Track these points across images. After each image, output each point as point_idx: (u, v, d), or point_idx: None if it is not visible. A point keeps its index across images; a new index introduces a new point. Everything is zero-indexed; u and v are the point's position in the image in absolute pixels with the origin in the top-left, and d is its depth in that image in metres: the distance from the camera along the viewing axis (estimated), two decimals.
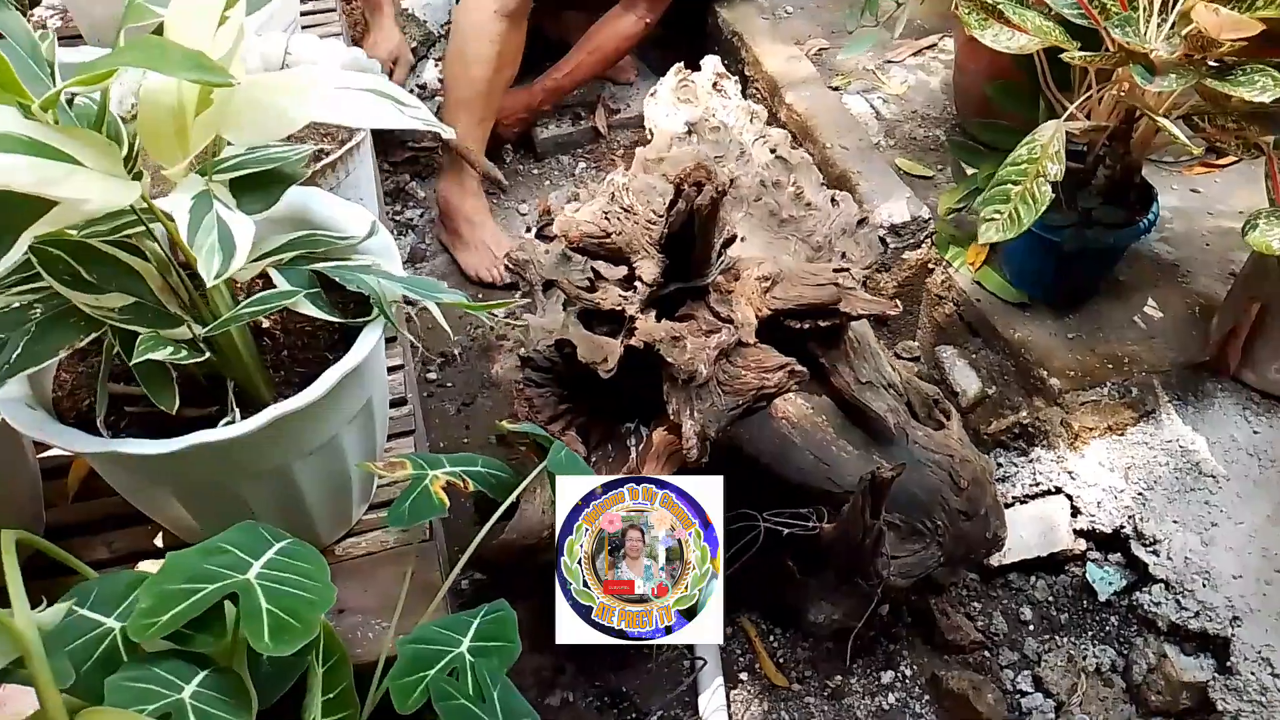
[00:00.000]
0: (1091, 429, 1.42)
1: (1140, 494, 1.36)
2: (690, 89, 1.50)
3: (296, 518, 0.90)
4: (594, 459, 1.14)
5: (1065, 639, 1.37)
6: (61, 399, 0.85)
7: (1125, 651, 1.33)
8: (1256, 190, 1.78)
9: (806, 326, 1.09)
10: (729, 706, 1.31)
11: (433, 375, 1.73)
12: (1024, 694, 1.32)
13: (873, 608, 1.16)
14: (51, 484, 1.02)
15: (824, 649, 1.38)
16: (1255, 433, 1.39)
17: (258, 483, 0.84)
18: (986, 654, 1.37)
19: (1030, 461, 1.46)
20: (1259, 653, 1.20)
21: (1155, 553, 1.32)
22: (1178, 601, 1.28)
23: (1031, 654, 1.36)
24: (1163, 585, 1.31)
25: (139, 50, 0.63)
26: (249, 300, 0.75)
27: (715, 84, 1.52)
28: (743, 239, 1.26)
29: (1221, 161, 1.83)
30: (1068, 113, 1.33)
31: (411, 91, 2.17)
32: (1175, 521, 1.33)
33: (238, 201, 0.77)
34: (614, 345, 1.03)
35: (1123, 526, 1.36)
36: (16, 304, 0.72)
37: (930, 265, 1.67)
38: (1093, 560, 1.39)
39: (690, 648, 1.32)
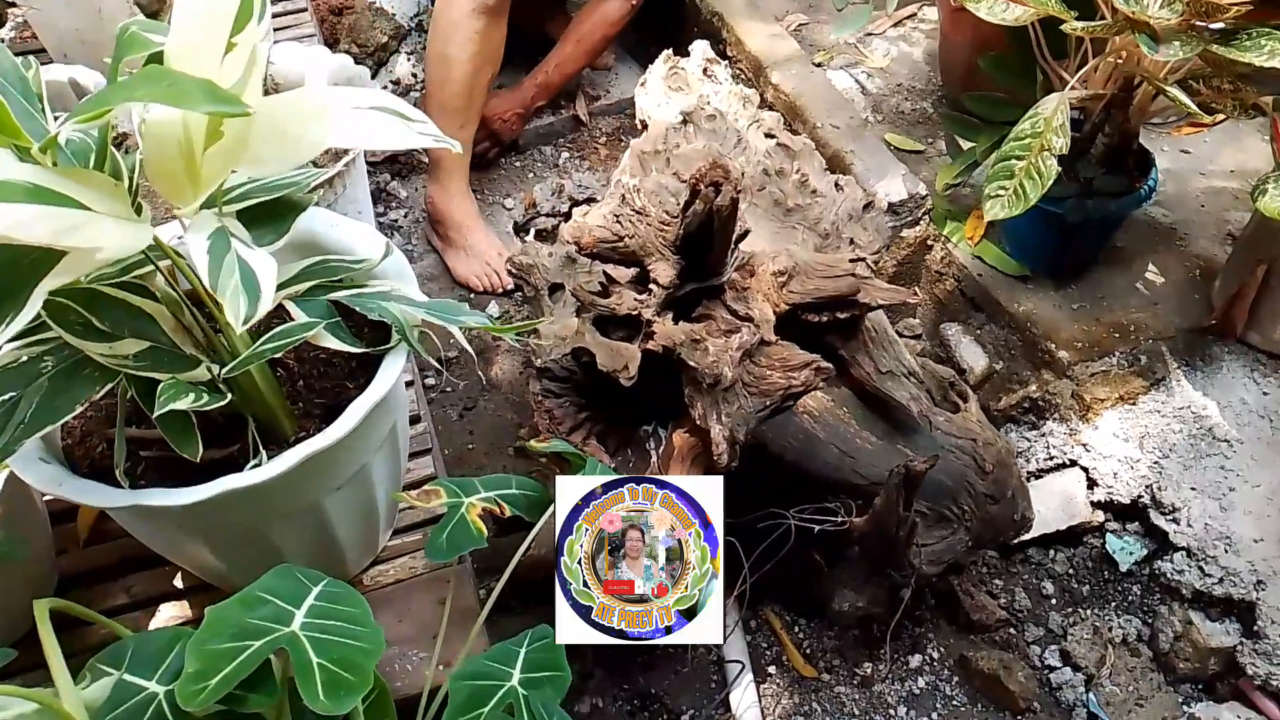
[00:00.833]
0: (1103, 400, 1.41)
1: (1156, 462, 1.36)
2: (681, 76, 1.47)
3: (325, 552, 0.88)
4: (615, 464, 1.12)
5: (1089, 611, 1.37)
6: (73, 446, 0.82)
7: (1150, 620, 1.33)
8: (1245, 149, 1.78)
9: (824, 319, 1.07)
10: (760, 701, 1.30)
11: (431, 381, 1.70)
12: (1053, 669, 1.32)
13: (905, 600, 1.15)
14: (60, 529, 0.98)
15: (850, 636, 1.37)
16: (1265, 394, 1.39)
17: (288, 521, 0.81)
18: (1012, 631, 1.36)
19: (1043, 436, 1.45)
20: None
21: (1175, 520, 1.32)
22: (1200, 568, 1.28)
23: (1057, 628, 1.36)
24: (1184, 553, 1.31)
25: (150, 83, 0.59)
26: (268, 335, 0.72)
27: (706, 69, 1.49)
28: (749, 231, 1.23)
29: (1208, 121, 1.82)
30: (1069, 84, 1.32)
31: (385, 88, 2.12)
32: (1193, 488, 1.33)
33: (250, 234, 0.73)
34: (633, 351, 1.01)
35: (1140, 496, 1.36)
36: (25, 357, 0.68)
37: (929, 242, 1.65)
38: (1112, 531, 1.39)
39: (721, 655, 1.31)
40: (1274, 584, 1.24)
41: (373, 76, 2.05)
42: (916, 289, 1.06)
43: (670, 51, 1.48)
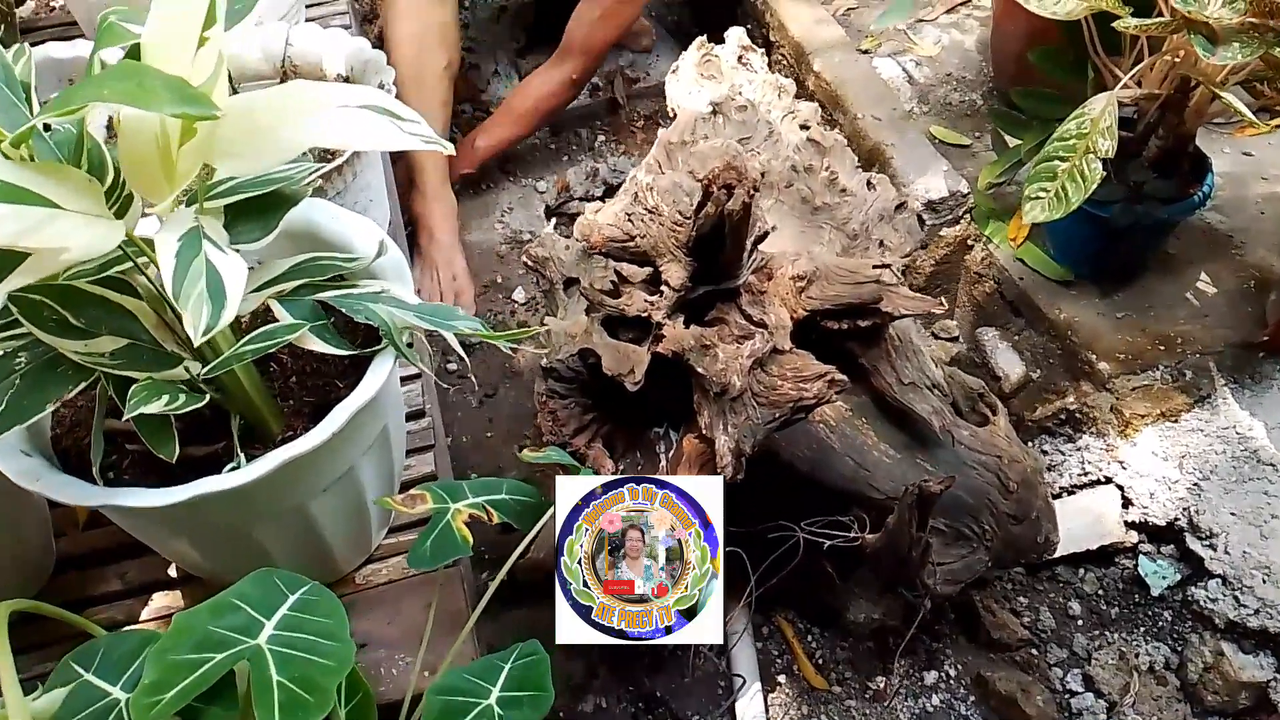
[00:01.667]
0: (1143, 416, 1.35)
1: (1195, 484, 1.30)
2: (714, 64, 1.42)
3: (314, 552, 0.86)
4: (622, 468, 1.09)
5: (1116, 635, 1.31)
6: (61, 436, 0.81)
7: (1180, 649, 1.27)
8: None
9: (845, 326, 1.03)
10: (767, 712, 1.27)
11: (453, 366, 1.68)
12: (1074, 694, 1.27)
13: (920, 617, 1.11)
14: (59, 511, 0.98)
15: (864, 649, 1.33)
16: None
17: (271, 523, 0.79)
18: (1034, 651, 1.32)
19: (1078, 450, 1.39)
20: None
21: (1212, 546, 1.26)
22: (1236, 598, 1.22)
23: (1081, 651, 1.31)
24: (1219, 580, 1.25)
25: (115, 80, 0.57)
26: (250, 336, 0.70)
27: (740, 57, 1.44)
28: (773, 229, 1.19)
29: (1275, 122, 1.73)
30: (1120, 83, 1.25)
31: None
32: (1233, 513, 1.26)
33: (234, 229, 0.71)
34: (641, 354, 0.98)
35: (1177, 518, 1.30)
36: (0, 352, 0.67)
37: (969, 242, 1.59)
38: (1145, 553, 1.33)
39: (729, 662, 1.28)
40: None
41: None
42: (943, 299, 1.01)
43: (704, 38, 1.44)
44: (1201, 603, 1.25)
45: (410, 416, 1.05)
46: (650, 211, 0.96)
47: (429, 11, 1.71)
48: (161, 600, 0.94)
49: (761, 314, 0.99)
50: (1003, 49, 1.76)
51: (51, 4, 1.70)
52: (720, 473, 0.92)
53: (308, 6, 1.59)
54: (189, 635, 0.63)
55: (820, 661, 1.33)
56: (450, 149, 0.71)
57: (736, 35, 1.43)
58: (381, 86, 1.07)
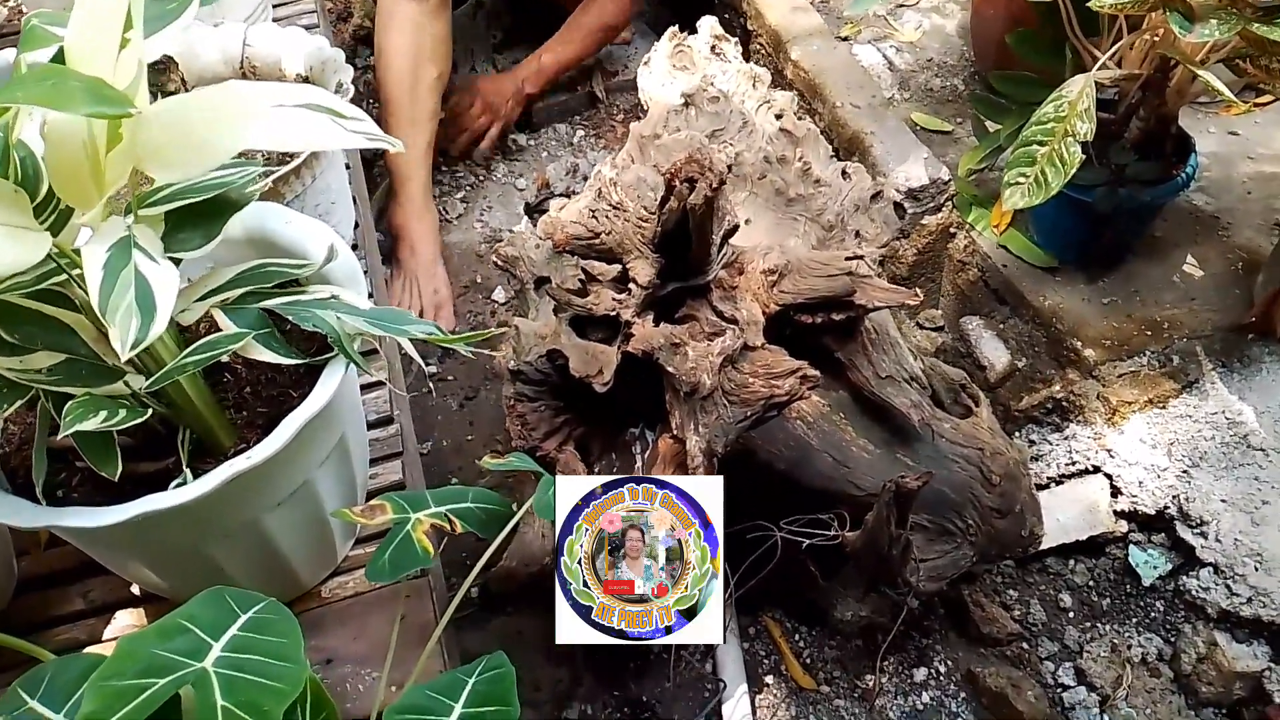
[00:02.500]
0: (1130, 403, 1.33)
1: (1185, 471, 1.28)
2: (686, 55, 1.40)
3: (273, 567, 0.84)
4: (597, 470, 1.07)
5: (1108, 626, 1.29)
6: (10, 455, 0.78)
7: (1173, 639, 1.25)
8: None
9: (819, 320, 1.00)
10: (754, 713, 1.25)
11: (433, 369, 1.66)
12: (1066, 688, 1.25)
13: (904, 614, 1.09)
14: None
15: (853, 647, 1.31)
16: None
17: (225, 539, 0.77)
18: (1025, 645, 1.30)
19: (1065, 439, 1.37)
20: None
21: (1203, 534, 1.24)
22: (1228, 586, 1.20)
23: (1073, 644, 1.29)
24: (1211, 569, 1.22)
25: (32, 83, 0.54)
26: (193, 348, 0.68)
27: (714, 47, 1.42)
28: (747, 221, 1.17)
29: (1261, 100, 1.70)
30: (1098, 64, 1.22)
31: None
32: (1223, 500, 1.24)
33: (175, 238, 0.69)
34: (610, 354, 0.95)
35: (1167, 507, 1.28)
36: None
37: (951, 229, 1.57)
38: (1135, 543, 1.31)
39: (714, 665, 1.26)
40: None
41: None
42: (918, 290, 0.99)
43: (676, 28, 1.41)
44: (1194, 592, 1.23)
45: (378, 423, 1.03)
46: (615, 207, 0.93)
47: (425, 24, 1.69)
48: (125, 619, 0.92)
49: (733, 310, 0.97)
50: (983, 33, 1.73)
51: (22, 9, 1.68)
52: (692, 473, 0.90)
53: (275, 6, 1.56)
54: (132, 660, 0.61)
55: (808, 661, 1.31)
56: (399, 145, 0.69)
57: (709, 24, 1.41)
58: (340, 86, 1.04)
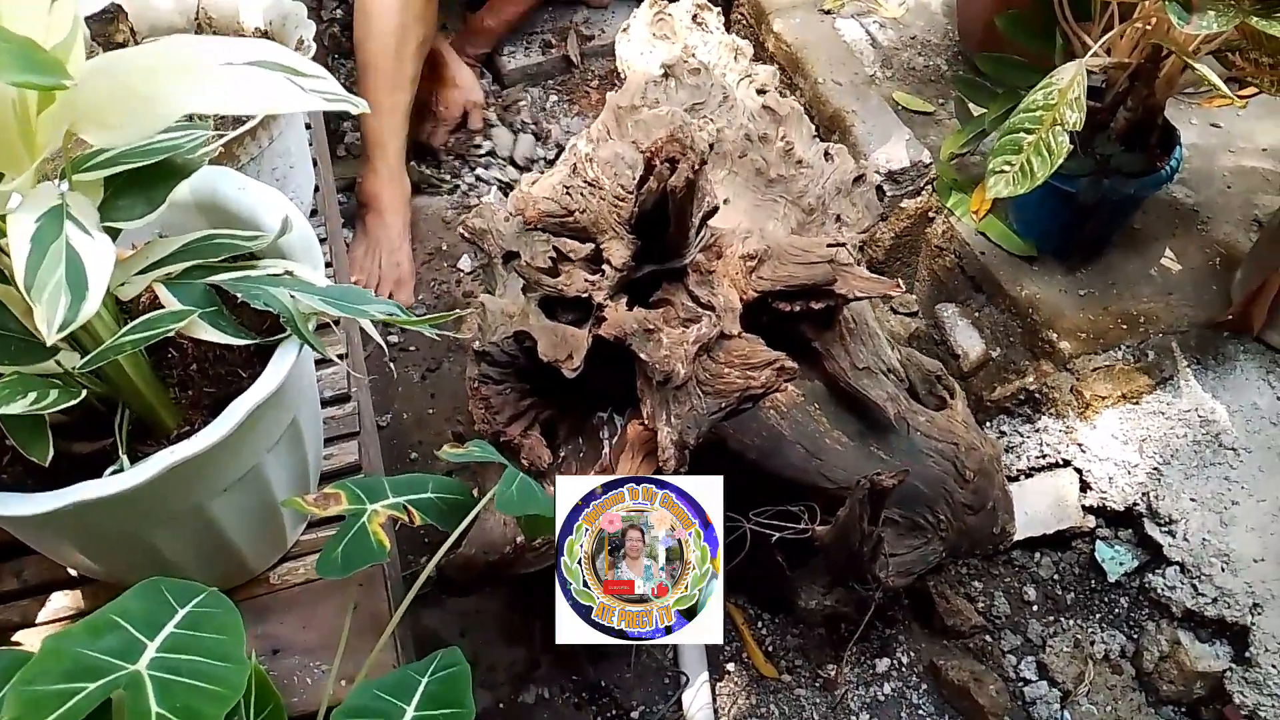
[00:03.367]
0: (1104, 397, 1.31)
1: (1155, 468, 1.27)
2: (667, 23, 1.35)
3: (218, 554, 0.79)
4: (563, 454, 1.03)
5: (1071, 621, 1.28)
6: None
7: (1135, 636, 1.25)
8: None
9: (797, 309, 0.97)
10: (714, 701, 1.23)
11: (394, 338, 1.61)
12: (1028, 682, 1.24)
13: (871, 610, 1.07)
14: None
15: (816, 636, 1.29)
16: None
17: (167, 526, 0.72)
18: (988, 639, 1.29)
19: (1037, 431, 1.36)
20: None
21: (1170, 533, 1.23)
22: (1194, 586, 1.20)
23: (1035, 638, 1.28)
24: (1178, 568, 1.22)
25: None
26: (130, 326, 0.63)
27: (695, 16, 1.37)
28: (726, 201, 1.13)
29: (1244, 92, 1.68)
30: (1090, 51, 1.19)
31: None
32: (1192, 499, 1.23)
33: (114, 205, 0.64)
34: (580, 338, 0.91)
35: (1136, 504, 1.26)
36: None
37: (930, 214, 1.54)
38: (1102, 538, 1.30)
39: (676, 652, 1.23)
40: (1271, 608, 1.15)
41: None
42: (900, 281, 0.96)
43: None
44: (1159, 590, 1.23)
45: (334, 400, 0.98)
46: (590, 184, 0.89)
47: None
48: (61, 601, 0.87)
49: (709, 295, 0.93)
50: (969, 12, 1.69)
51: None
52: (662, 466, 0.86)
53: None
54: (59, 661, 0.57)
55: (770, 649, 1.29)
56: (363, 106, 0.64)
57: None
58: (301, 43, 0.99)
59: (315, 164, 1.20)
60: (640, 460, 0.97)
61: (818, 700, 1.25)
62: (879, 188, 1.50)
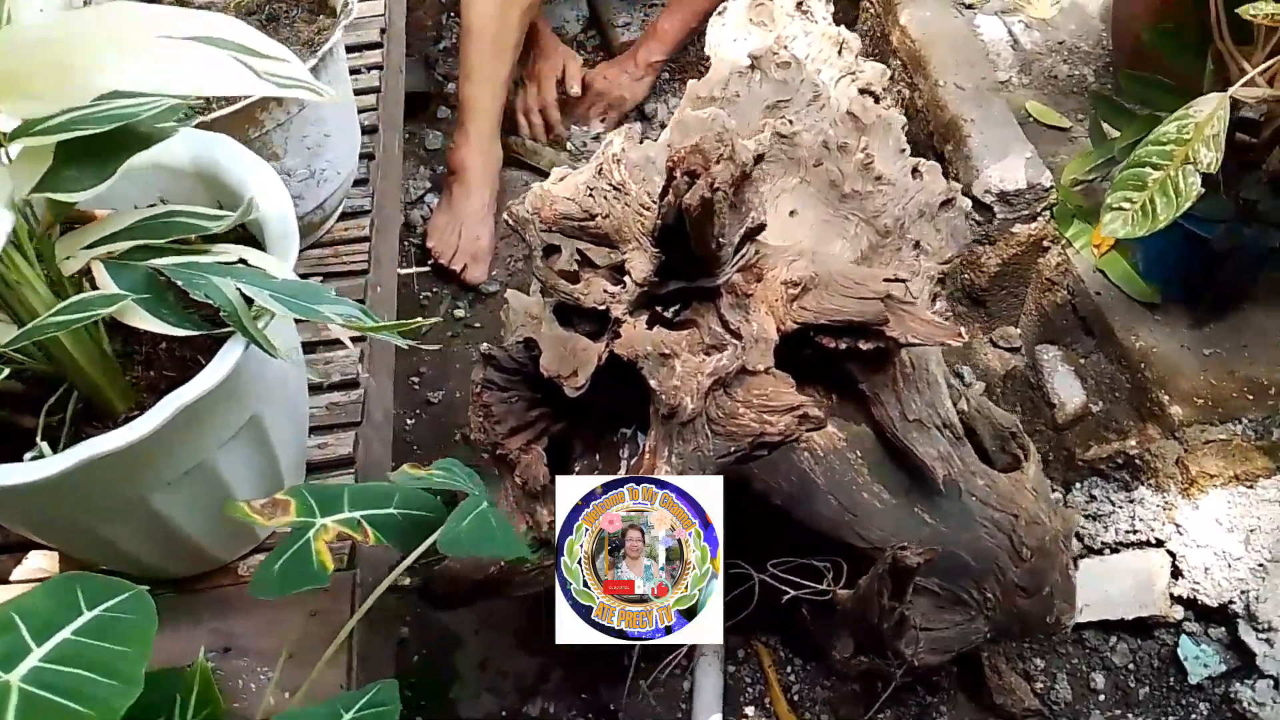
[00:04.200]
0: (1213, 475, 1.15)
1: (1261, 565, 1.11)
2: (767, 8, 1.24)
3: (173, 544, 0.76)
4: (577, 469, 0.96)
5: None
6: None
7: None
8: None
9: (843, 346, 0.87)
10: None
11: (460, 312, 1.56)
12: None
13: (906, 673, 0.96)
14: None
15: (848, 690, 1.19)
16: None
17: (108, 517, 0.69)
18: None
19: (1131, 502, 1.20)
20: None
21: (1269, 641, 1.07)
22: None
23: None
24: (1271, 682, 1.06)
25: None
26: (59, 308, 0.58)
27: (800, 3, 1.26)
28: (793, 213, 1.03)
29: None
30: (1244, 79, 1.03)
31: None
32: None
33: (59, 175, 0.59)
34: (589, 353, 0.84)
35: (1232, 602, 1.11)
36: None
37: (1045, 243, 1.38)
38: (1189, 633, 1.15)
39: (693, 684, 1.15)
40: None
41: None
42: (963, 330, 0.84)
43: None
44: (1245, 703, 1.07)
45: (341, 385, 0.94)
46: (615, 188, 0.80)
47: None
48: (37, 560, 0.85)
49: (740, 322, 0.84)
50: (1125, 20, 1.51)
51: None
52: None
53: None
54: None
55: (796, 697, 1.19)
56: (329, 94, 0.58)
57: None
58: (346, 5, 0.93)
59: (375, 129, 1.15)
60: None
61: None
62: (987, 207, 1.36)
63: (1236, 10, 0.94)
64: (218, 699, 0.67)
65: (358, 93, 1.20)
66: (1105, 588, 1.16)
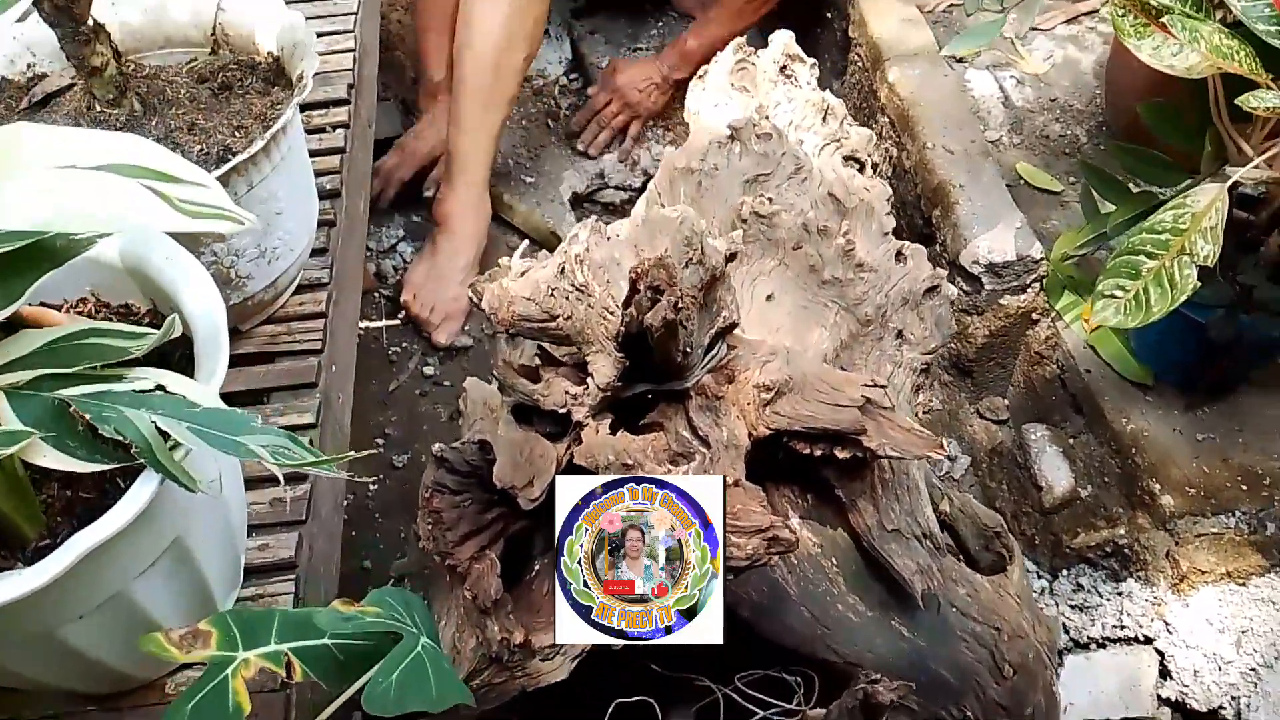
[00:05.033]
0: (1204, 571, 1.11)
1: (1253, 669, 1.06)
2: (749, 74, 1.19)
3: (92, 672, 0.71)
4: (537, 567, 0.91)
5: None
6: None
7: None
8: None
9: (818, 453, 0.82)
10: None
11: (430, 370, 1.51)
12: None
13: None
14: None
15: None
16: None
17: (8, 648, 0.63)
18: None
19: (1119, 595, 1.16)
20: None
21: None
22: None
23: None
24: None
25: None
26: None
27: (784, 68, 1.21)
28: (769, 297, 0.98)
29: None
30: (1246, 169, 0.99)
31: None
32: None
33: None
34: (549, 459, 0.79)
35: (1222, 708, 1.06)
36: None
37: (1034, 314, 1.34)
38: None
39: None
40: None
41: None
42: (943, 443, 0.79)
43: (744, 40, 1.21)
44: None
45: (289, 477, 0.88)
46: (578, 289, 0.76)
47: (524, 7, 1.50)
48: None
49: (710, 427, 0.79)
50: (1120, 82, 1.47)
51: None
52: None
53: None
54: None
55: None
56: (251, 220, 0.53)
57: (782, 40, 1.20)
58: (301, 79, 0.88)
59: (337, 193, 1.10)
60: None
61: None
62: (976, 278, 1.32)
63: (1236, 101, 0.90)
64: None
65: (322, 153, 1.15)
66: (1088, 688, 1.12)
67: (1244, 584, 1.10)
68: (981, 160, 1.41)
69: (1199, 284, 0.94)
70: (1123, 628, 1.14)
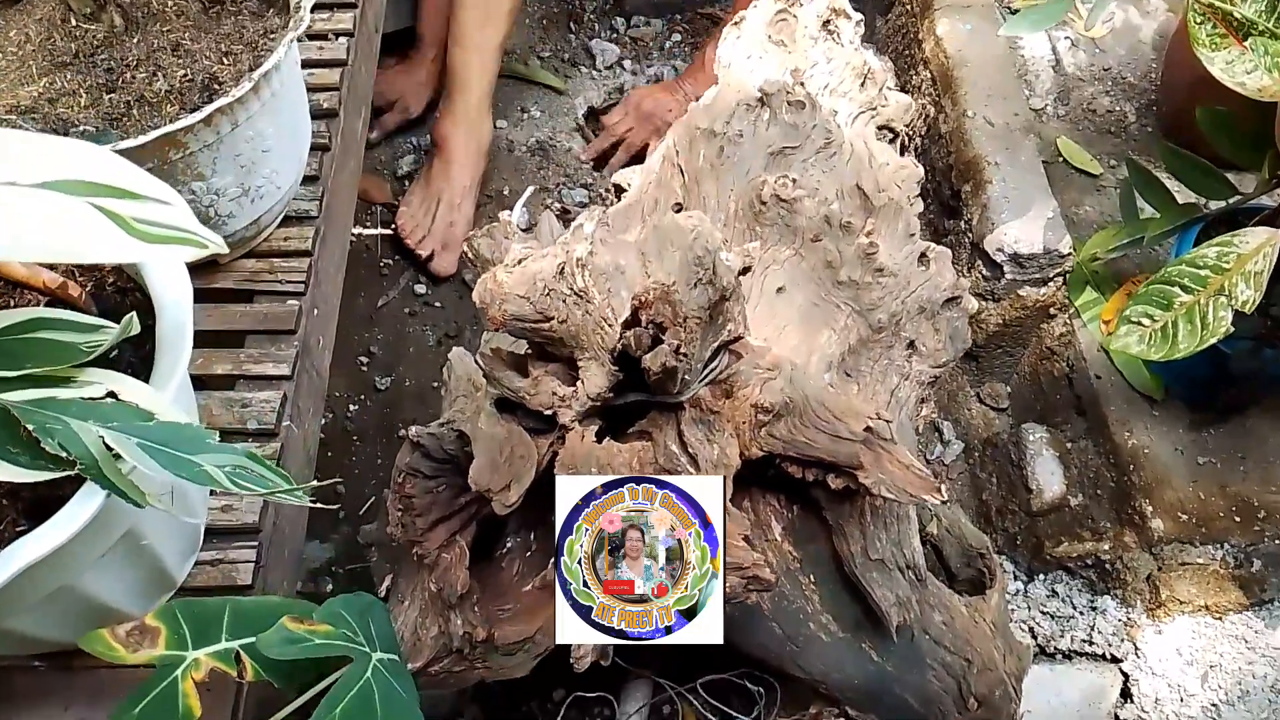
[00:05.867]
0: (1182, 601, 1.09)
1: (1215, 705, 1.06)
2: (789, 27, 1.11)
3: (41, 647, 0.68)
4: (509, 544, 0.89)
5: None
6: None
7: None
8: None
9: (811, 478, 0.79)
10: None
11: (421, 289, 1.46)
12: None
13: None
14: None
15: None
16: None
17: None
18: None
19: (1093, 609, 1.15)
20: None
21: None
22: None
23: None
24: None
25: None
26: None
27: (828, 23, 1.12)
28: (780, 290, 0.93)
29: None
30: None
31: None
32: None
33: None
34: (530, 459, 0.75)
35: None
36: None
37: (1051, 309, 1.29)
38: None
39: None
40: None
41: None
42: (942, 486, 0.76)
43: None
44: None
45: (258, 434, 0.85)
46: (577, 294, 0.70)
47: None
48: None
49: (700, 443, 0.75)
50: (1178, 63, 1.38)
51: None
52: (576, 662, 0.71)
53: None
54: None
55: None
56: (219, 244, 0.48)
57: None
58: (298, 9, 0.80)
59: (334, 113, 1.03)
60: None
61: None
62: (997, 265, 1.26)
63: None
64: None
65: (321, 64, 1.08)
66: (1051, 697, 1.12)
67: (1220, 618, 1.08)
68: (1022, 137, 1.33)
69: (1232, 329, 0.90)
70: (1091, 643, 1.13)
